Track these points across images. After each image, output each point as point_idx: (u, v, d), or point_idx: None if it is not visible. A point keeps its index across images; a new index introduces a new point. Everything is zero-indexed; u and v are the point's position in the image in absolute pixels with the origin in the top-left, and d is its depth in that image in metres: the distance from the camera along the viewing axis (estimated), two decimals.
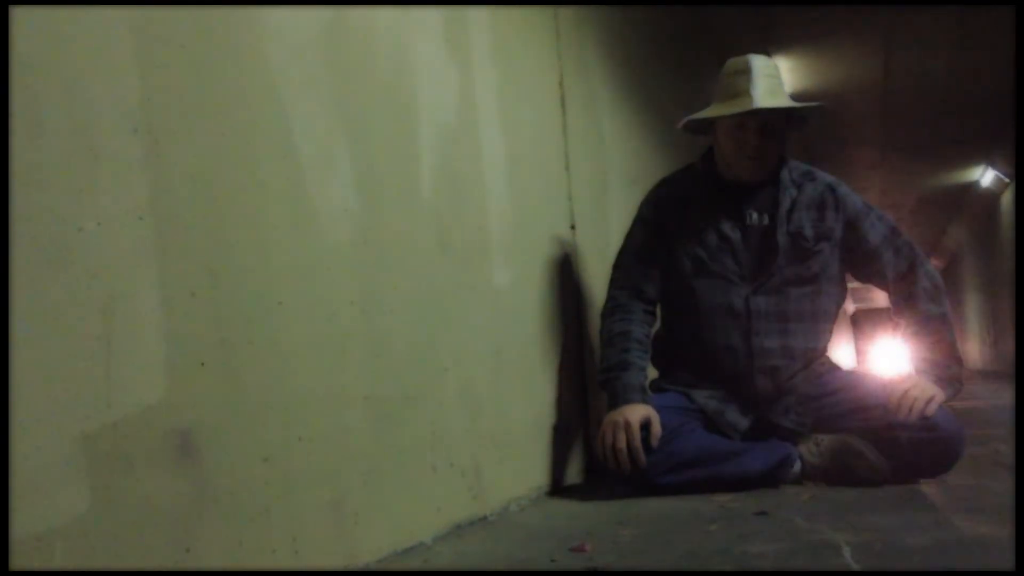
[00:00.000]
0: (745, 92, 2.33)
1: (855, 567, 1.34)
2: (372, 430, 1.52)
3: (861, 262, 2.41)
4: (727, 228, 2.38)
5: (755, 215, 2.39)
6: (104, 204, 1.02)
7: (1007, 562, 1.34)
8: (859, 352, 23.23)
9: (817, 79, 7.62)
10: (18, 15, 0.94)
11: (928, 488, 2.11)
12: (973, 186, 12.41)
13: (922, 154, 10.65)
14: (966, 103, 8.69)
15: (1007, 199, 11.66)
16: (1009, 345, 12.39)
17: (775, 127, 2.37)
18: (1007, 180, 11.17)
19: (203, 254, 1.17)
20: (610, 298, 2.48)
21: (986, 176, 11.63)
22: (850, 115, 8.69)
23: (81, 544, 0.94)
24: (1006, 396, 6.73)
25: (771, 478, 2.21)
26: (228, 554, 1.15)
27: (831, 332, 2.46)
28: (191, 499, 1.10)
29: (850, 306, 21.51)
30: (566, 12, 2.78)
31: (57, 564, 0.91)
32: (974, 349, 16.90)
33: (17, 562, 0.88)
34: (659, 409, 2.24)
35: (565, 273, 2.57)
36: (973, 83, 8.09)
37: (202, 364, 1.13)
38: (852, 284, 2.89)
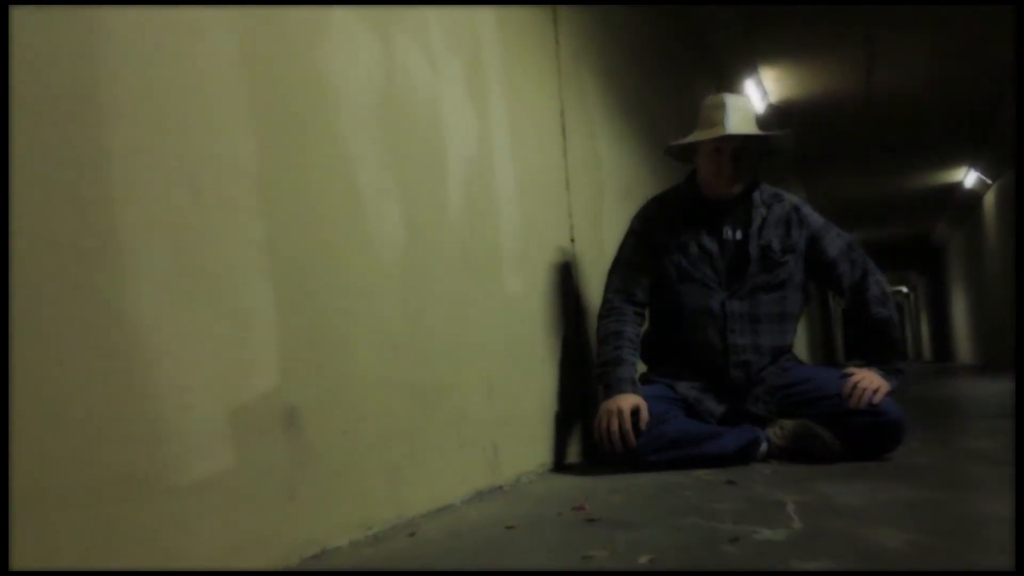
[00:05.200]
0: (720, 122, 2.72)
1: (795, 519, 1.72)
2: (414, 412, 1.90)
3: (821, 272, 2.79)
4: (707, 241, 2.77)
5: (731, 230, 2.77)
6: (235, 243, 1.40)
7: (924, 520, 1.71)
8: None
9: (802, 89, 7.99)
10: (179, 94, 1.31)
11: (874, 464, 2.49)
12: (957, 187, 12.80)
13: (906, 157, 11.03)
14: (947, 110, 9.07)
15: (989, 199, 12.05)
16: (994, 339, 12.79)
17: (747, 152, 2.75)
18: (989, 182, 11.56)
19: (300, 275, 1.55)
20: (605, 301, 2.86)
21: (969, 177, 12.02)
22: (835, 120, 9.06)
23: (229, 489, 1.32)
24: (987, 389, 7.08)
25: (742, 456, 2.58)
26: (319, 502, 1.53)
27: (795, 331, 2.85)
28: (295, 459, 1.48)
29: None
30: (566, 47, 3.15)
31: (217, 504, 1.29)
32: (961, 343, 17.28)
33: (188, 503, 1.26)
34: (647, 398, 2.62)
35: (566, 280, 2.95)
36: (952, 92, 8.46)
37: (301, 358, 1.51)
38: None
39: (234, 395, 1.36)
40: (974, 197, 12.76)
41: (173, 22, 1.32)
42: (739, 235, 2.76)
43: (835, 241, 2.78)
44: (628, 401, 2.58)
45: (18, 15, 1.07)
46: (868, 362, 2.70)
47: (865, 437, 2.56)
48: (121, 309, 1.18)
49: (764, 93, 7.76)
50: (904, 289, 30.89)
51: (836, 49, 7.22)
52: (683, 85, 5.54)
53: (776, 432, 2.64)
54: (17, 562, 1.01)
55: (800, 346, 12.29)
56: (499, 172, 2.50)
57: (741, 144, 2.72)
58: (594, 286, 3.10)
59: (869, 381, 2.59)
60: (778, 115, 8.42)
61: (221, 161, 1.39)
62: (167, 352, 1.24)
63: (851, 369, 2.67)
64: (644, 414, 2.57)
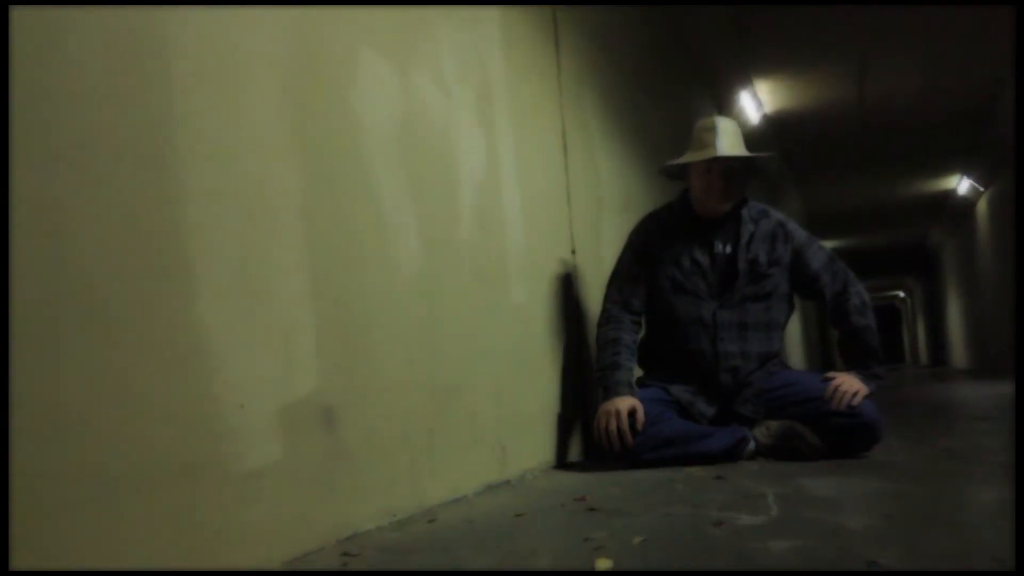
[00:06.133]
0: (711, 144, 2.93)
1: (774, 507, 1.91)
2: (432, 411, 2.10)
3: (805, 283, 3.00)
4: (699, 255, 2.97)
5: (721, 245, 2.98)
6: (281, 263, 1.60)
7: (886, 507, 1.91)
8: None
9: (797, 100, 8.19)
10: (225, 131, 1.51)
11: (853, 461, 2.69)
12: (951, 193, 13.02)
13: (901, 164, 11.24)
14: (938, 119, 9.28)
15: (982, 205, 12.26)
16: (987, 344, 13.00)
17: (736, 172, 2.96)
18: (981, 188, 11.77)
19: (334, 291, 1.75)
20: (604, 310, 3.07)
21: (962, 184, 12.23)
22: (829, 130, 9.27)
23: (278, 477, 1.52)
24: (975, 393, 7.29)
25: (731, 454, 2.78)
26: (351, 491, 1.73)
27: (782, 338, 3.05)
28: (332, 454, 1.68)
29: None
30: (567, 70, 3.36)
31: (268, 490, 1.49)
32: (956, 347, 17.48)
33: (245, 489, 1.45)
34: (643, 400, 2.82)
35: (568, 290, 3.16)
36: (943, 102, 8.66)
37: (336, 364, 1.71)
38: None
39: (280, 396, 1.56)
40: (967, 204, 12.97)
41: (226, 71, 1.52)
42: (728, 249, 2.96)
43: (817, 254, 2.98)
44: (625, 403, 2.78)
45: (121, 77, 1.28)
46: (849, 367, 2.90)
47: (845, 436, 2.76)
48: (190, 321, 1.38)
49: (759, 104, 7.97)
50: (901, 294, 31.08)
51: (829, 62, 7.42)
52: (679, 99, 5.74)
53: (763, 432, 2.83)
54: (111, 535, 1.21)
55: (797, 350, 12.49)
56: (505, 190, 2.70)
57: (730, 165, 2.92)
58: (594, 295, 3.31)
59: (849, 385, 2.80)
60: (773, 126, 8.64)
61: (270, 191, 1.59)
62: (227, 357, 1.44)
63: (832, 373, 2.87)
64: (640, 415, 2.77)
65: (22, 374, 1.10)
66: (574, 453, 3.07)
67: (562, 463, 2.95)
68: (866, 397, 2.80)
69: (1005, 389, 7.19)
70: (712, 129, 2.95)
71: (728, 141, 2.92)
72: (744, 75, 7.30)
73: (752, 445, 2.81)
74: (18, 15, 1.15)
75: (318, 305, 1.69)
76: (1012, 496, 1.95)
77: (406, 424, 1.98)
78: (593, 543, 1.58)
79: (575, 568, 1.42)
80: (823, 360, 16.35)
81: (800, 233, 3.01)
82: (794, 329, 12.77)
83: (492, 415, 2.43)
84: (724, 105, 7.24)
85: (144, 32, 1.35)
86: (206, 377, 1.40)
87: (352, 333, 1.80)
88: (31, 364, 1.12)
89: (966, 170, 11.61)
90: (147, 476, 1.28)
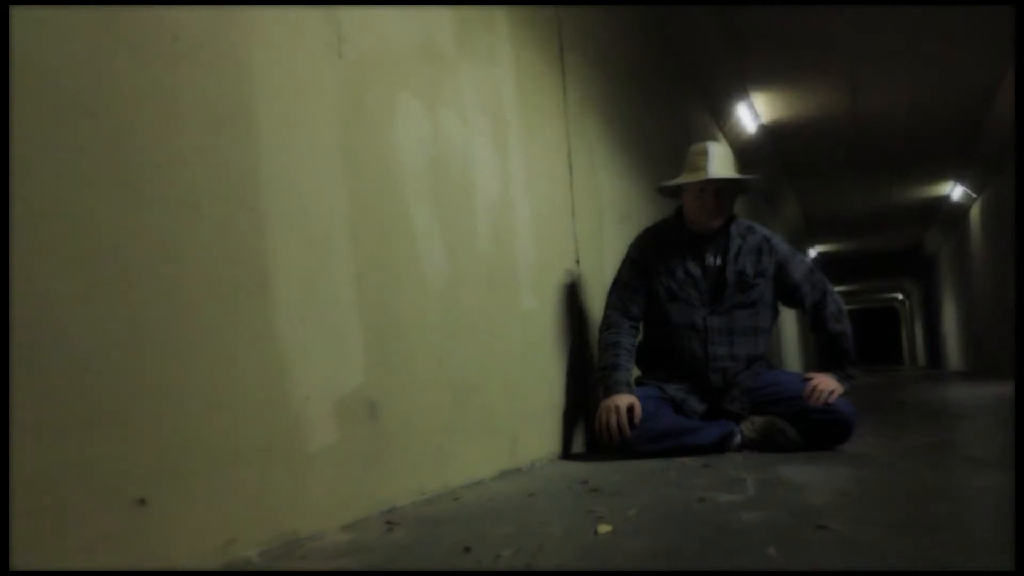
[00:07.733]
0: (703, 167, 3.24)
1: (751, 489, 2.22)
2: (453, 406, 2.41)
3: (787, 292, 3.31)
4: (691, 266, 3.28)
5: (711, 258, 3.29)
6: (335, 279, 1.91)
7: (847, 489, 2.21)
8: None
9: (792, 111, 8.48)
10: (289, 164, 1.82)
11: (828, 453, 2.99)
12: (945, 199, 13.31)
13: (895, 172, 11.53)
14: (930, 129, 9.57)
15: (975, 211, 12.56)
16: (981, 346, 13.29)
17: (726, 192, 3.27)
18: (974, 195, 12.07)
19: (376, 300, 2.06)
20: (605, 316, 3.37)
21: (955, 191, 12.53)
22: (825, 139, 9.56)
23: (333, 459, 1.83)
24: (962, 393, 7.56)
25: (719, 447, 3.09)
26: (389, 472, 2.03)
27: (768, 342, 3.36)
28: (375, 441, 1.99)
29: None
30: (572, 95, 3.66)
31: (325, 469, 1.80)
32: (952, 349, 17.75)
33: (308, 468, 1.76)
34: (640, 398, 3.13)
35: (572, 297, 3.46)
36: (934, 113, 8.95)
37: (378, 363, 2.02)
38: None
39: (335, 390, 1.87)
40: (961, 209, 13.26)
41: (295, 123, 1.83)
42: (718, 261, 3.27)
43: (799, 267, 3.29)
44: (624, 400, 3.08)
45: (220, 134, 1.59)
46: (826, 369, 3.21)
47: (821, 431, 3.07)
48: (267, 327, 1.69)
49: (756, 115, 8.27)
50: (899, 296, 31.38)
51: (823, 74, 7.70)
52: (678, 114, 6.04)
53: (748, 427, 3.14)
54: (206, 499, 1.52)
55: (794, 349, 12.77)
56: (517, 207, 3.01)
57: (721, 185, 3.23)
58: (596, 302, 3.61)
59: (826, 384, 3.11)
60: (770, 135, 8.94)
61: (326, 219, 1.90)
62: (295, 357, 1.75)
63: (811, 373, 3.18)
64: (637, 411, 3.07)
65: (150, 372, 1.41)
66: (578, 445, 3.38)
67: (567, 454, 3.25)
68: (841, 395, 3.11)
69: (994, 390, 7.48)
70: (704, 153, 3.26)
71: (719, 164, 3.23)
72: (741, 87, 7.60)
73: (738, 438, 3.11)
74: (147, 82, 1.45)
75: (364, 313, 2.00)
76: (968, 483, 2.25)
77: (433, 416, 2.28)
78: (595, 515, 1.89)
79: (582, 532, 1.72)
80: (818, 362, 16.64)
81: (783, 247, 3.31)
82: (791, 333, 13.07)
83: (505, 410, 2.74)
84: (722, 117, 7.55)
85: (236, 94, 1.66)
86: (279, 374, 1.71)
87: (391, 337, 2.11)
88: (156, 365, 1.42)
89: (959, 177, 11.90)
90: (233, 454, 1.59)
